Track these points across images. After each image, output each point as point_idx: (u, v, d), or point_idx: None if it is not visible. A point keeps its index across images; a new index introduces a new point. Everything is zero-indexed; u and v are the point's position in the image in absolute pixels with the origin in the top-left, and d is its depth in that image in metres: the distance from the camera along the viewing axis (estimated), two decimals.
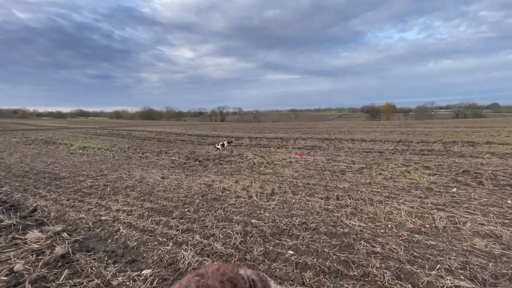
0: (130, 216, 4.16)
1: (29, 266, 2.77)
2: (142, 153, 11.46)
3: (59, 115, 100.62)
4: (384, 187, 5.74)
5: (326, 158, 9.57)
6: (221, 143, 12.51)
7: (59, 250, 2.91)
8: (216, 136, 20.98)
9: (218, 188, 5.73)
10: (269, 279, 1.77)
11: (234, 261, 2.89)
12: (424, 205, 4.47)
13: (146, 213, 4.29)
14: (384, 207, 4.36)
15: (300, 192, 5.33)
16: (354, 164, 8.44)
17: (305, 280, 2.55)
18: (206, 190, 5.61)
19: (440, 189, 5.52)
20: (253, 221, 3.92)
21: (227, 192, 5.44)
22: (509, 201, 4.63)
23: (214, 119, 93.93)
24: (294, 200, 4.85)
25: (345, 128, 29.71)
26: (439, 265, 2.74)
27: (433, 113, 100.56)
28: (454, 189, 5.46)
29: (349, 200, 4.75)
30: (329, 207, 4.47)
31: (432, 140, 15.15)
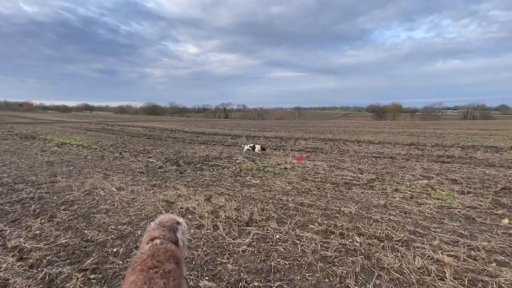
0: (19, 264, 2.67)
1: None
2: (120, 153, 10.01)
3: (64, 109, 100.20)
4: (405, 213, 4.15)
5: (328, 164, 7.98)
6: (251, 145, 10.26)
7: None
8: (213, 134, 19.51)
9: (180, 208, 4.21)
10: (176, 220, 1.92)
11: None
12: (474, 254, 2.89)
13: (49, 257, 2.79)
14: (413, 257, 2.79)
15: (289, 220, 3.79)
16: (362, 173, 6.85)
17: None
18: (163, 211, 4.10)
19: (485, 219, 3.91)
20: (202, 283, 2.39)
21: (189, 216, 3.91)
22: None
23: (217, 116, 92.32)
24: (277, 236, 3.31)
25: (350, 128, 27.96)
26: None
27: (440, 113, 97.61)
28: (506, 220, 3.86)
29: (358, 239, 3.19)
30: (328, 253, 2.91)
31: (447, 144, 13.42)
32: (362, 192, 5.22)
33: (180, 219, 1.99)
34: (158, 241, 1.63)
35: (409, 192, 5.23)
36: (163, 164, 7.89)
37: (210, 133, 19.72)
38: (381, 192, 5.24)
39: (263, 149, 9.84)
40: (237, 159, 8.81)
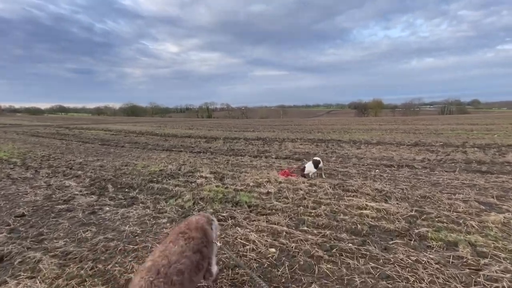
0: None
1: None
2: (37, 170, 6.94)
3: (36, 111, 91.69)
4: None
5: (330, 182, 5.35)
6: (315, 160, 5.83)
7: None
8: (186, 136, 16.52)
9: None
10: (210, 217, 2.22)
11: None
12: None
13: None
14: None
15: None
16: (387, 200, 4.27)
17: None
18: None
19: None
20: None
21: None
22: None
23: (201, 115, 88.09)
24: None
25: (338, 125, 25.76)
26: None
27: (418, 109, 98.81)
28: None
29: None
30: None
31: (456, 143, 11.26)
32: (416, 260, 2.59)
33: (214, 218, 2.28)
34: (192, 217, 2.08)
35: (502, 254, 2.67)
36: (79, 192, 4.96)
37: (183, 136, 16.72)
38: (453, 257, 2.64)
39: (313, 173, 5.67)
40: (200, 176, 6.02)
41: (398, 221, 3.50)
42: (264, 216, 3.71)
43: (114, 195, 4.78)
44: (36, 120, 39.73)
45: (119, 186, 5.36)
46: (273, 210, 3.97)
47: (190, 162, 7.85)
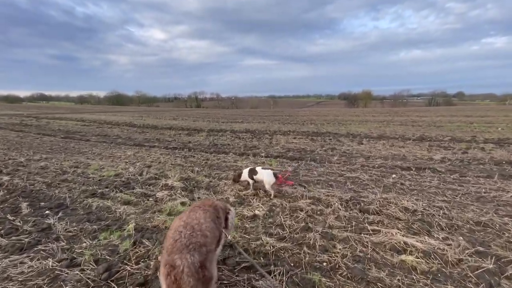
0: None
1: None
2: None
3: (15, 99, 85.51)
4: None
5: (339, 195, 3.86)
6: (251, 169, 4.09)
7: None
8: (167, 127, 14.71)
9: None
10: (228, 206, 2.33)
11: None
12: None
13: None
14: None
15: None
16: (429, 232, 2.82)
17: None
18: None
19: None
20: None
21: None
22: None
23: (189, 105, 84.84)
24: None
25: (330, 117, 24.41)
26: None
27: (406, 101, 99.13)
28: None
29: None
30: None
31: (464, 138, 10.07)
32: None
33: (232, 208, 2.37)
34: (208, 199, 2.41)
35: None
36: None
37: (163, 127, 14.88)
38: None
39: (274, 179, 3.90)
40: (164, 186, 4.41)
41: (472, 284, 2.04)
42: (246, 275, 2.16)
43: (19, 222, 3.10)
44: (8, 108, 36.36)
45: (40, 205, 3.68)
46: (262, 257, 2.43)
47: (159, 163, 6.19)
